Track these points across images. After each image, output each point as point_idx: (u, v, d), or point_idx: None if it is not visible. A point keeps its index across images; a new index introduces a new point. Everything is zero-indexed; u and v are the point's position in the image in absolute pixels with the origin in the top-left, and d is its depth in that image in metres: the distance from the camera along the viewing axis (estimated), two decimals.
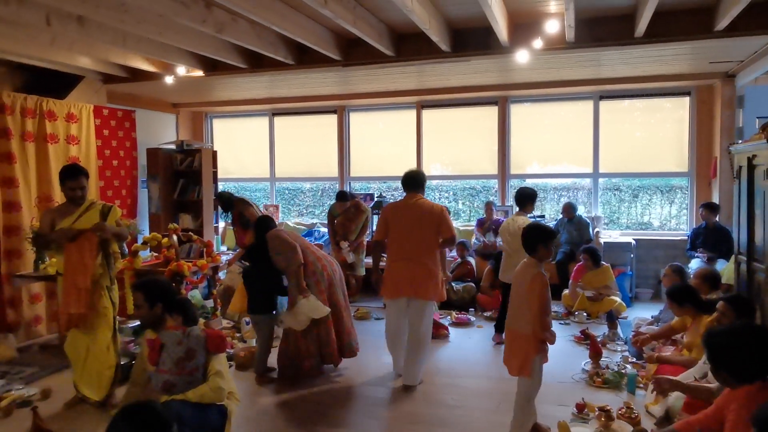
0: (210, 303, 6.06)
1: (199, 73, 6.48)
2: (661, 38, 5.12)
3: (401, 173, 8.84)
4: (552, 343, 3.33)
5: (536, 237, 3.35)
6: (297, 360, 4.45)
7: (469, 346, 5.43)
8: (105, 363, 3.95)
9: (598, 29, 5.23)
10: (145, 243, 5.55)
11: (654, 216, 7.93)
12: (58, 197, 5.86)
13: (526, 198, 5.21)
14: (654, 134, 7.62)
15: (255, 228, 4.61)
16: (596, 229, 7.16)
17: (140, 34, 5.23)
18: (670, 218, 7.84)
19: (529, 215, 5.25)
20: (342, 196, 7.18)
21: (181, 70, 6.38)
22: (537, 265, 3.35)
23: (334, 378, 4.57)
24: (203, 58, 6.24)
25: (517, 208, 5.32)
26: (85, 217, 3.88)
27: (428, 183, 8.29)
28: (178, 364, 2.84)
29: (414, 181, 4.54)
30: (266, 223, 4.56)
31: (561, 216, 7.30)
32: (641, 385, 4.14)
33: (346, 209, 7.15)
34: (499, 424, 3.69)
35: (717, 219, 6.60)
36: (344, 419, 3.86)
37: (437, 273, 4.39)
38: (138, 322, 5.15)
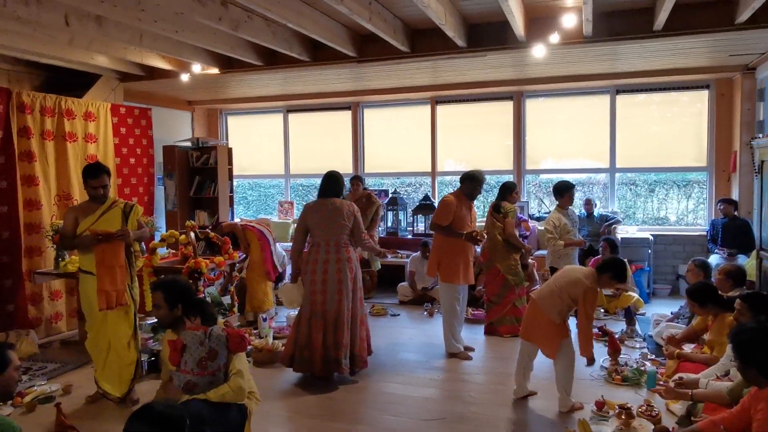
0: (227, 299, 6.11)
1: (215, 70, 6.51)
2: (680, 31, 5.06)
3: (415, 169, 8.87)
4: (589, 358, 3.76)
5: (611, 269, 3.71)
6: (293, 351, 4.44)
7: (484, 343, 5.42)
8: (126, 359, 4.00)
9: (616, 23, 5.18)
10: (162, 240, 5.60)
11: (671, 211, 7.85)
12: (78, 195, 5.93)
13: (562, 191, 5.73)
14: (671, 128, 7.53)
15: None
16: (613, 225, 7.10)
17: (157, 33, 5.25)
18: (687, 213, 7.75)
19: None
20: (357, 178, 7.18)
21: (197, 67, 6.41)
22: (595, 282, 3.68)
23: (352, 375, 4.58)
24: (219, 56, 6.26)
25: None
26: (107, 216, 3.92)
27: (441, 179, 8.43)
28: (200, 364, 2.86)
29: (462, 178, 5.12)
30: None
31: (582, 211, 7.23)
32: (661, 383, 4.10)
33: (358, 199, 7.13)
34: (515, 422, 3.70)
35: (736, 213, 6.52)
36: (362, 415, 3.87)
37: (436, 254, 5.00)
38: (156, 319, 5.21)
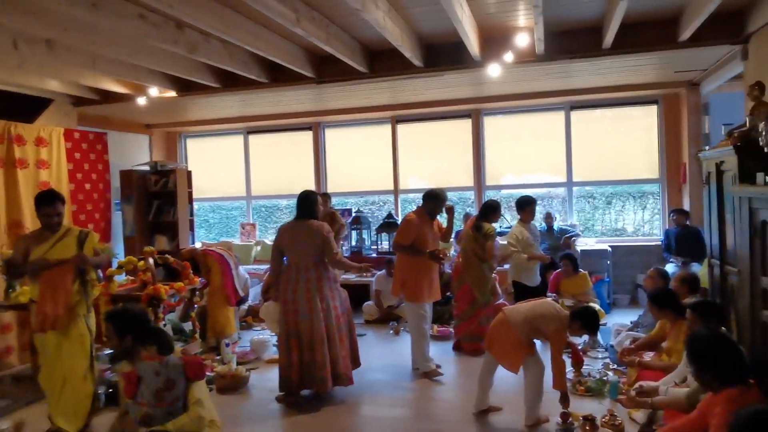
0: (188, 326, 5.97)
1: (172, 93, 6.43)
2: (627, 49, 5.25)
3: (378, 188, 8.87)
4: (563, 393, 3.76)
5: (582, 318, 3.75)
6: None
7: (452, 359, 5.43)
8: (82, 392, 3.84)
9: (566, 42, 5.34)
10: (120, 267, 5.44)
11: (628, 222, 8.08)
12: (30, 223, 5.73)
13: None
14: (624, 142, 7.79)
15: None
16: (573, 238, 7.24)
17: (111, 56, 5.18)
18: (643, 224, 7.99)
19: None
20: (324, 195, 7.12)
21: (154, 91, 6.32)
22: (566, 325, 3.73)
23: (320, 396, 4.51)
24: (176, 79, 6.19)
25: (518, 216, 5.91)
26: (60, 244, 3.79)
27: (404, 197, 8.49)
28: (158, 395, 2.78)
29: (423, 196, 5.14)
30: None
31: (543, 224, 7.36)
32: (623, 392, 4.17)
33: (322, 217, 7.06)
34: None
35: (688, 222, 6.74)
36: None
37: (400, 274, 5.01)
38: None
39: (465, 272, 5.53)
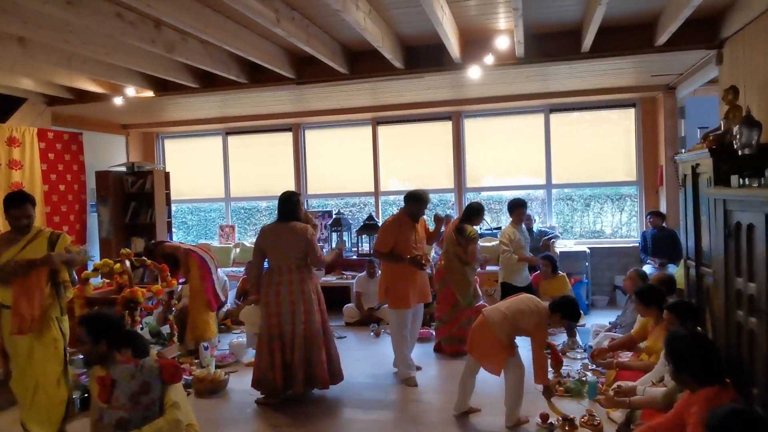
0: (166, 329, 5.88)
1: (150, 93, 6.33)
2: (605, 53, 5.31)
3: (358, 189, 8.84)
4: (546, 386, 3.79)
5: (562, 308, 3.76)
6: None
7: (433, 361, 5.42)
8: (55, 398, 3.76)
9: (546, 45, 5.38)
10: (96, 270, 5.34)
11: (606, 224, 8.17)
12: (1, 225, 5.60)
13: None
14: (603, 145, 7.88)
15: None
16: (552, 240, 7.30)
17: (87, 55, 5.08)
18: (621, 226, 8.09)
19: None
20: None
21: (131, 90, 6.23)
22: (546, 318, 3.75)
23: (299, 398, 4.48)
24: (153, 78, 6.10)
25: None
26: (31, 246, 3.69)
27: (385, 198, 8.49)
28: (133, 399, 2.73)
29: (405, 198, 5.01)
30: None
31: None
32: (602, 392, 4.20)
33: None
34: None
35: (665, 224, 6.84)
36: None
37: (384, 279, 4.93)
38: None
39: (447, 275, 5.51)
